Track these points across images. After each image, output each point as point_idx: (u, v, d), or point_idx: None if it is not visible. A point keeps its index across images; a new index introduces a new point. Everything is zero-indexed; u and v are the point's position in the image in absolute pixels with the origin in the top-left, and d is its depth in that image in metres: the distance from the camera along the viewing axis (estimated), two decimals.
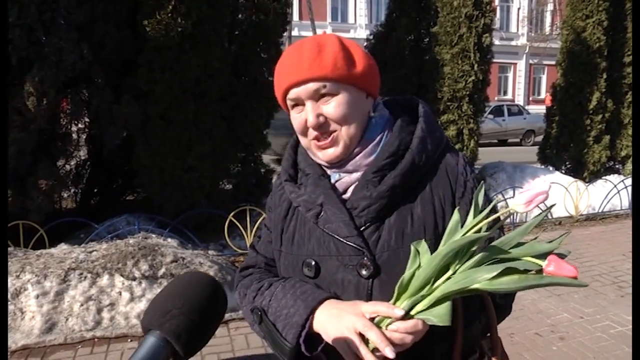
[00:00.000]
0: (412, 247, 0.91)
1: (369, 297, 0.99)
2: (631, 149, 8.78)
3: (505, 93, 30.16)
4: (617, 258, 5.41)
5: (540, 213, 0.85)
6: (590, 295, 4.41)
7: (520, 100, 28.88)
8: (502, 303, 1.08)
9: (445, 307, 0.83)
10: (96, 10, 4.86)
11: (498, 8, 24.12)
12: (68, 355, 3.35)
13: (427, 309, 0.85)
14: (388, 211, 1.02)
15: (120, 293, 3.73)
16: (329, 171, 1.10)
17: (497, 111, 17.95)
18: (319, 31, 22.23)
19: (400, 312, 0.86)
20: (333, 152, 1.04)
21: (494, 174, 7.66)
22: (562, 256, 0.80)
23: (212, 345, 3.34)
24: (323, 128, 1.02)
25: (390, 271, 0.99)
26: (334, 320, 0.93)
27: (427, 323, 0.85)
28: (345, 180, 1.07)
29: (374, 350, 0.86)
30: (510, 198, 6.40)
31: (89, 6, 4.75)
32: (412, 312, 0.86)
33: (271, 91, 4.93)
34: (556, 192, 7.05)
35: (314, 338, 0.97)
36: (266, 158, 6.62)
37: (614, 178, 8.13)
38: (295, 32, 22.43)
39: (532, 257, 0.80)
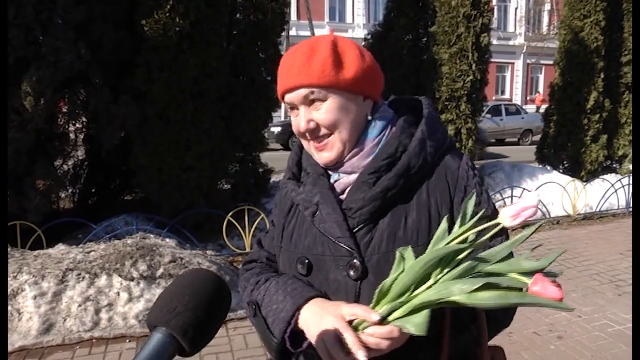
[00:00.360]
0: (398, 252, 0.89)
1: (356, 299, 0.99)
2: (628, 148, 8.83)
3: (502, 92, 30.19)
4: (614, 257, 5.42)
5: (530, 227, 0.80)
6: (588, 294, 4.42)
7: (517, 99, 28.90)
8: (500, 315, 1.05)
9: (423, 316, 0.81)
10: (94, 10, 4.85)
11: (495, 8, 24.16)
12: (66, 356, 3.33)
13: (404, 316, 0.83)
14: (382, 213, 1.02)
15: (118, 293, 3.72)
16: (329, 170, 1.10)
17: (495, 111, 17.95)
18: (316, 31, 22.22)
19: (376, 317, 0.85)
20: (327, 156, 1.05)
21: (492, 174, 7.68)
22: (552, 275, 0.76)
23: (211, 346, 3.33)
24: (315, 133, 1.03)
25: (379, 274, 0.98)
26: (315, 319, 0.94)
27: (403, 331, 0.84)
28: (344, 180, 1.07)
29: (349, 353, 0.86)
30: (508, 197, 6.40)
31: (87, 6, 4.74)
32: (390, 319, 0.85)
33: (269, 91, 4.92)
34: (554, 191, 7.07)
35: (301, 335, 0.97)
36: None
37: (611, 177, 8.15)
38: (293, 32, 22.41)
39: (519, 273, 0.76)
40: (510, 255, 0.82)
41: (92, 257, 3.99)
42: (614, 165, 8.99)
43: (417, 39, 7.70)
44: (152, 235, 4.58)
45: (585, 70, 8.18)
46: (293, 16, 23.29)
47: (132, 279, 3.79)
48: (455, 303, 0.79)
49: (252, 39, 5.86)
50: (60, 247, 4.29)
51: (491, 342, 1.07)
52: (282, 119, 18.67)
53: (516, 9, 29.97)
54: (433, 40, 7.32)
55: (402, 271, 0.86)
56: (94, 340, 3.49)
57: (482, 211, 0.86)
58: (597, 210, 7.31)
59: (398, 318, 0.84)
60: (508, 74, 30.72)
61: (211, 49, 5.23)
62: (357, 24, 26.78)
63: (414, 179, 1.03)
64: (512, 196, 6.47)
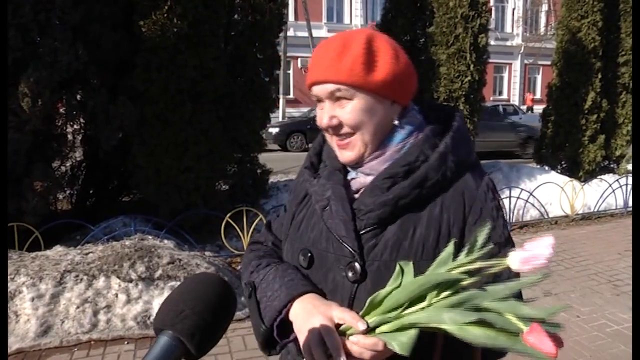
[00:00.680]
0: (398, 265, 0.87)
1: (350, 302, 0.98)
2: (626, 148, 8.86)
3: (500, 93, 30.24)
4: (612, 257, 5.43)
5: (536, 276, 0.74)
6: (586, 294, 4.43)
7: (515, 100, 28.97)
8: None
9: (410, 336, 0.79)
10: (92, 10, 4.84)
11: (493, 8, 24.19)
12: (64, 359, 3.32)
13: (391, 332, 0.82)
14: (391, 221, 1.00)
15: (116, 295, 3.71)
16: (349, 167, 1.08)
17: (493, 111, 17.98)
18: (314, 31, 22.27)
19: (362, 326, 0.84)
20: (348, 155, 1.03)
21: (490, 174, 7.63)
22: (552, 326, 0.72)
23: None
24: (336, 130, 1.02)
25: (377, 281, 0.96)
26: (305, 315, 0.94)
27: (387, 347, 0.82)
28: (360, 180, 1.05)
29: (330, 356, 0.85)
30: (506, 198, 6.41)
31: (85, 6, 4.73)
32: (377, 331, 0.84)
33: (268, 92, 4.91)
34: (552, 191, 7.08)
35: (289, 327, 0.97)
36: None
37: (609, 177, 8.17)
38: (291, 33, 22.44)
39: (517, 317, 0.73)
40: (514, 295, 0.78)
41: (90, 258, 3.98)
42: (612, 166, 9.01)
43: (415, 40, 7.70)
44: (150, 237, 4.58)
45: (582, 70, 8.19)
46: (291, 17, 23.33)
47: (130, 281, 3.78)
48: (444, 331, 0.77)
49: (250, 40, 5.85)
50: (58, 249, 4.27)
51: None
52: (280, 119, 18.69)
53: (514, 9, 30.03)
54: (431, 41, 7.33)
55: (399, 285, 0.84)
56: (92, 342, 3.48)
57: (495, 235, 0.87)
58: (595, 210, 7.32)
59: (385, 332, 0.83)
60: (506, 75, 30.77)
61: (209, 50, 5.23)
62: (355, 25, 26.78)
63: (429, 192, 1.00)
64: (510, 197, 6.48)
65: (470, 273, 0.78)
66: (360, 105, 0.99)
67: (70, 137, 5.40)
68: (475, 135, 7.55)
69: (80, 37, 4.65)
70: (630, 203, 7.51)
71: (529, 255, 0.71)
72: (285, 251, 1.15)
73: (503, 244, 1.00)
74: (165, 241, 4.58)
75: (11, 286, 3.59)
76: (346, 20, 27.13)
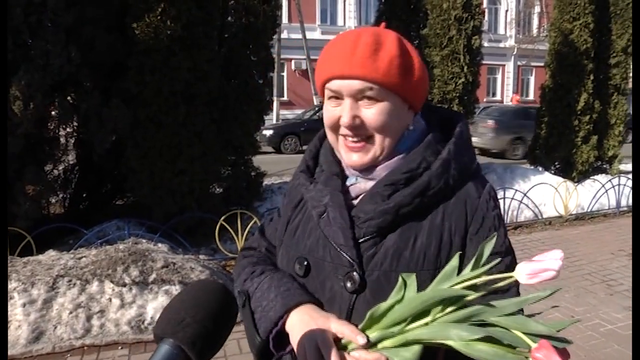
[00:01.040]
0: (400, 278, 0.84)
1: (349, 312, 0.95)
2: (618, 149, 8.93)
3: (494, 94, 30.33)
4: (606, 257, 5.45)
5: (544, 292, 0.75)
6: (580, 294, 4.44)
7: (508, 101, 29.04)
8: None
9: (413, 352, 0.78)
10: (85, 12, 4.81)
11: (486, 10, 24.29)
12: None
13: (394, 347, 0.80)
14: (391, 229, 0.96)
15: (110, 300, 3.69)
16: (347, 172, 1.05)
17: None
18: (308, 34, 22.28)
19: (362, 340, 0.82)
20: (359, 158, 0.99)
21: (484, 175, 7.69)
22: (562, 342, 0.71)
23: None
24: (356, 130, 0.96)
25: (377, 291, 0.94)
26: (302, 327, 0.90)
27: None
28: (360, 186, 1.02)
29: None
30: (500, 199, 6.41)
31: (78, 8, 4.71)
32: (379, 346, 0.82)
33: (261, 94, 4.86)
34: (546, 192, 7.10)
35: (285, 338, 0.94)
36: None
37: (602, 178, 8.21)
38: (284, 35, 22.42)
39: (524, 333, 0.72)
40: (519, 311, 0.78)
41: (84, 263, 3.96)
42: (604, 166, 9.07)
43: (409, 42, 7.73)
44: (144, 240, 4.56)
45: (575, 72, 8.24)
46: (284, 19, 23.31)
47: (124, 285, 3.76)
48: (449, 347, 0.76)
49: (244, 42, 5.84)
50: (51, 254, 4.24)
51: None
52: (274, 122, 18.68)
53: (506, 11, 30.16)
54: (425, 42, 7.35)
55: (401, 299, 0.82)
56: (85, 348, 3.45)
57: (496, 245, 0.84)
58: (589, 210, 7.36)
59: (388, 347, 0.81)
60: (499, 76, 30.87)
61: (203, 52, 5.21)
62: (349, 27, 26.81)
63: (431, 200, 0.98)
64: (504, 197, 6.49)
65: (474, 287, 0.77)
66: (388, 108, 0.95)
67: (63, 140, 5.37)
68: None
69: (72, 40, 4.62)
70: (622, 203, 7.56)
71: (537, 268, 0.70)
72: (279, 257, 1.11)
73: (503, 253, 0.98)
74: (159, 245, 4.56)
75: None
76: (339, 22, 27.15)
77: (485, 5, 25.95)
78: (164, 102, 5.08)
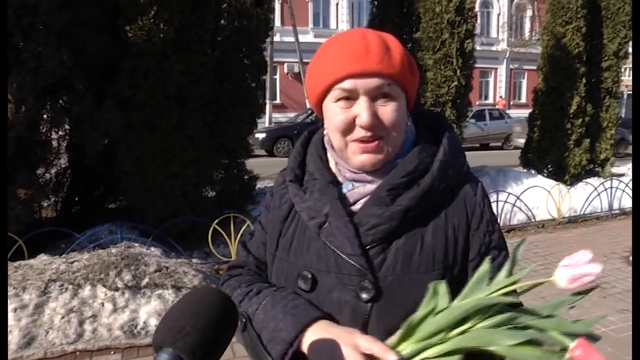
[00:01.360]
0: (431, 287, 0.84)
1: (365, 323, 0.93)
2: (610, 152, 9.00)
3: (486, 97, 30.49)
4: (598, 260, 5.39)
5: (580, 293, 0.79)
6: None
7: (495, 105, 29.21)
8: None
9: None
10: (77, 15, 4.78)
11: (478, 14, 24.43)
12: None
13: (435, 358, 0.80)
14: (397, 234, 0.95)
15: (102, 304, 3.66)
16: (340, 179, 1.02)
17: (479, 116, 18.14)
18: (300, 37, 22.29)
19: (393, 358, 0.79)
20: (372, 158, 0.96)
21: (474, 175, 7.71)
22: (593, 339, 0.75)
23: None
24: (373, 130, 0.93)
25: (391, 298, 0.93)
26: (324, 345, 0.86)
27: None
28: (359, 191, 1.00)
29: None
30: (493, 202, 6.43)
31: (70, 11, 4.68)
32: (417, 358, 0.81)
33: (254, 97, 4.82)
34: (539, 195, 7.13)
35: (298, 358, 0.90)
36: None
37: (594, 181, 8.26)
38: (277, 38, 22.43)
39: (561, 333, 0.75)
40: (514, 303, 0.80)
41: (76, 267, 3.93)
42: (597, 169, 9.12)
43: (402, 45, 7.75)
44: (136, 244, 4.52)
45: (567, 75, 8.29)
46: (277, 22, 23.33)
47: (116, 289, 3.73)
48: (491, 352, 0.76)
49: (237, 45, 5.83)
50: (43, 258, 4.21)
51: None
52: (267, 125, 18.67)
53: (499, 15, 30.33)
54: (418, 46, 7.36)
55: (434, 308, 0.82)
56: (77, 353, 3.42)
57: (495, 239, 0.91)
58: (581, 213, 7.39)
59: (428, 358, 0.80)
60: (491, 79, 31.04)
61: (195, 55, 5.20)
62: (341, 30, 26.81)
63: (433, 201, 0.98)
64: (497, 200, 6.50)
65: (511, 293, 0.79)
66: (400, 106, 0.95)
67: (55, 143, 5.34)
68: (463, 140, 7.59)
69: (65, 42, 4.59)
70: (615, 206, 7.59)
71: (578, 273, 0.72)
72: (275, 274, 1.06)
73: (502, 246, 1.03)
74: (152, 249, 4.53)
75: None
76: (332, 25, 27.22)
77: (477, 8, 26.10)
78: (157, 105, 5.06)
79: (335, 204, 0.97)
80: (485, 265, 0.83)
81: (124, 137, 5.11)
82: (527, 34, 29.34)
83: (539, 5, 25.64)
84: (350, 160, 0.99)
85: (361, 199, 1.00)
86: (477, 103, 25.69)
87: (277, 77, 25.12)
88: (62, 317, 3.52)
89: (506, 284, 0.79)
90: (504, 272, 0.81)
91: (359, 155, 0.96)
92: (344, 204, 0.99)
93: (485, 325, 0.78)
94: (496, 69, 30.76)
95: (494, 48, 29.97)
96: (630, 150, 14.59)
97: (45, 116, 4.96)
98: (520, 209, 6.96)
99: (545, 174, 8.61)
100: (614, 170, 9.25)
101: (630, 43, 8.96)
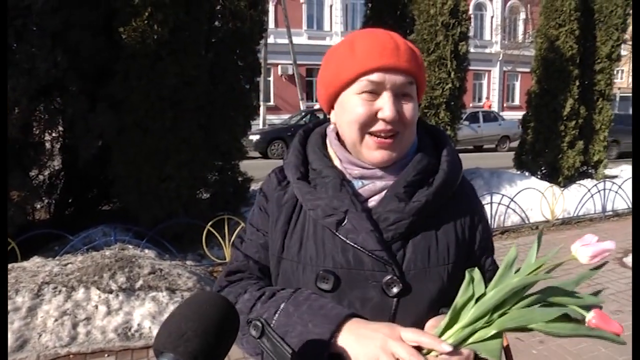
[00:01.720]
0: (467, 274, 0.88)
1: (392, 318, 0.94)
2: (603, 153, 9.06)
3: (480, 100, 30.59)
4: (592, 261, 5.48)
5: (595, 267, 0.86)
6: None
7: (495, 106, 29.32)
8: None
9: (498, 342, 0.82)
10: (71, 17, 4.76)
11: (472, 16, 24.52)
12: None
13: (481, 341, 0.83)
14: (414, 229, 0.98)
15: (96, 307, 3.64)
16: (348, 177, 1.02)
17: (473, 118, 18.20)
18: (294, 39, 22.31)
19: (447, 348, 0.81)
20: (388, 154, 0.98)
21: (471, 180, 7.66)
22: (600, 307, 0.83)
23: None
24: (393, 125, 0.96)
25: (415, 291, 0.95)
26: (365, 342, 0.85)
27: (479, 354, 0.84)
28: (369, 188, 1.00)
29: None
30: (487, 204, 6.45)
31: (64, 12, 4.66)
32: (465, 344, 0.84)
33: (248, 99, 4.81)
34: (533, 197, 7.16)
35: (332, 358, 0.88)
36: None
37: (588, 182, 8.30)
38: (271, 40, 22.45)
39: (579, 306, 0.82)
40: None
41: (69, 269, 3.91)
42: (590, 171, 9.17)
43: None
44: (130, 246, 4.51)
45: (561, 77, 8.34)
46: (271, 24, 23.34)
47: (110, 292, 3.71)
48: (530, 330, 0.82)
49: (231, 47, 5.83)
50: (36, 260, 4.18)
51: None
52: (261, 127, 18.66)
53: (492, 17, 30.46)
54: None
55: (472, 295, 0.85)
56: (71, 356, 3.39)
57: (488, 230, 1.02)
58: (575, 215, 7.42)
59: (473, 343, 0.84)
60: (485, 82, 31.16)
61: (190, 57, 5.19)
62: (335, 32, 26.92)
63: (445, 197, 1.03)
64: (491, 202, 6.52)
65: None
66: (416, 107, 0.99)
67: (48, 145, 5.31)
68: (457, 142, 7.61)
69: (59, 44, 4.58)
70: (608, 208, 7.63)
71: (598, 249, 0.81)
72: (281, 276, 1.04)
73: (490, 234, 1.14)
74: (146, 251, 4.52)
75: None
76: (326, 27, 27.26)
77: (471, 11, 26.20)
78: (151, 107, 5.05)
79: (355, 201, 0.97)
80: (513, 252, 0.88)
81: (118, 140, 5.10)
82: (520, 37, 29.46)
83: (532, 8, 25.75)
84: (362, 154, 1.00)
85: (373, 196, 1.01)
86: (470, 105, 25.77)
87: (271, 79, 25.12)
88: (56, 320, 3.50)
89: (535, 267, 0.84)
90: (531, 257, 0.86)
91: (373, 150, 0.98)
92: (358, 200, 0.99)
93: (520, 306, 0.83)
94: (490, 71, 30.89)
95: (487, 50, 30.09)
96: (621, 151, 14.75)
97: (38, 118, 4.93)
98: (514, 211, 6.99)
99: (539, 176, 8.65)
100: (607, 172, 9.31)
101: (623, 46, 9.04)
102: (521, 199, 7.03)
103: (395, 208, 0.97)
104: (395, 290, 0.94)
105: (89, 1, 4.98)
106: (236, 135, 5.97)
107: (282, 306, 0.94)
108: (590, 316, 0.80)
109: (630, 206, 7.78)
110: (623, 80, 31.67)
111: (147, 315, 3.65)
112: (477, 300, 0.85)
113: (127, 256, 4.10)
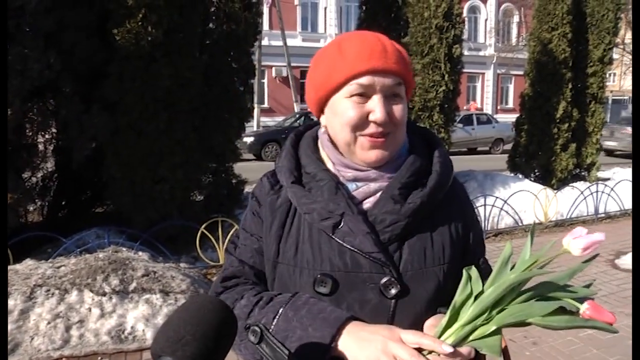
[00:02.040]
0: (465, 272, 0.89)
1: (390, 319, 0.94)
2: (596, 156, 9.12)
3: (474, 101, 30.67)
4: (584, 253, 5.51)
5: (586, 260, 0.88)
6: None
7: (488, 109, 29.40)
8: None
9: (498, 338, 0.84)
10: (65, 18, 4.75)
11: (466, 19, 24.59)
12: None
13: (481, 338, 0.85)
14: (410, 230, 0.99)
15: (89, 309, 3.62)
16: (341, 179, 1.02)
17: (467, 120, 18.25)
18: (289, 41, 22.31)
19: (448, 349, 0.82)
20: (381, 154, 0.99)
21: (464, 183, 7.76)
22: (592, 298, 0.86)
23: None
24: (384, 127, 0.96)
25: (413, 292, 0.96)
26: (365, 345, 0.86)
27: (480, 351, 0.85)
28: (363, 190, 1.01)
29: None
30: (481, 206, 6.48)
31: (58, 14, 4.64)
32: (465, 342, 0.86)
33: (243, 101, 4.80)
34: (526, 199, 7.19)
35: None
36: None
37: (581, 185, 8.34)
38: (265, 42, 22.45)
39: (572, 299, 0.84)
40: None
41: (62, 272, 3.88)
42: (583, 173, 9.22)
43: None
44: (124, 249, 4.49)
45: (554, 80, 8.39)
46: (265, 26, 23.33)
47: (104, 294, 3.70)
48: (527, 324, 0.84)
49: (226, 49, 5.83)
50: (28, 263, 4.16)
51: None
52: (255, 129, 18.63)
53: (486, 20, 30.58)
54: (406, 50, 7.39)
55: (470, 293, 0.87)
56: (64, 359, 3.38)
57: (479, 226, 1.03)
58: (568, 217, 7.45)
59: (473, 340, 0.85)
60: (479, 84, 31.24)
61: (184, 59, 5.18)
62: (329, 34, 26.93)
63: (439, 197, 1.03)
64: (485, 205, 6.55)
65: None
66: (405, 107, 0.99)
67: (41, 147, 5.28)
68: (451, 145, 7.63)
69: (52, 45, 4.56)
70: (600, 210, 7.67)
71: (590, 242, 0.83)
72: (278, 280, 1.04)
73: (482, 234, 1.21)
74: (140, 253, 4.50)
75: None
76: (320, 29, 27.26)
77: (465, 14, 26.27)
78: (145, 108, 5.03)
79: (351, 204, 0.98)
80: (508, 249, 0.89)
81: (112, 141, 5.08)
82: (514, 40, 29.57)
83: (525, 12, 25.85)
84: (357, 155, 1.00)
85: (367, 198, 1.01)
86: (464, 108, 25.84)
87: (265, 81, 25.10)
88: (48, 323, 3.48)
89: (530, 262, 0.85)
90: (526, 253, 0.88)
91: (367, 150, 0.98)
92: (353, 203, 0.99)
93: (518, 301, 0.85)
94: (484, 74, 30.98)
95: (481, 53, 30.18)
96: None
97: (32, 119, 4.91)
98: (508, 213, 7.01)
99: (532, 178, 8.69)
100: (600, 174, 9.36)
101: (615, 49, 9.10)
102: (515, 201, 7.06)
103: (391, 210, 0.97)
104: (393, 291, 0.94)
105: (83, 2, 4.97)
106: (230, 138, 5.97)
107: (280, 311, 0.94)
108: (584, 307, 0.82)
109: (623, 208, 7.84)
110: (615, 83, 31.88)
111: (140, 317, 3.64)
112: (476, 298, 0.86)
113: (120, 258, 4.08)
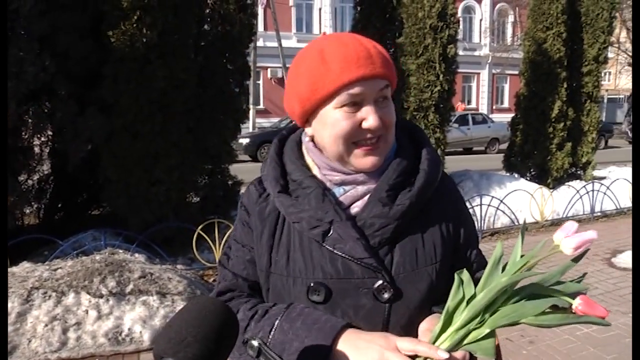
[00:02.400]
0: (456, 276, 0.89)
1: (385, 323, 0.94)
2: (591, 155, 9.15)
3: (469, 102, 30.73)
4: (581, 261, 5.51)
5: (575, 258, 0.88)
6: None
7: (484, 109, 29.47)
8: None
9: (492, 341, 0.84)
10: (59, 20, 4.74)
11: (461, 19, 24.65)
12: None
13: (475, 342, 0.85)
14: (400, 232, 0.98)
15: (86, 311, 3.62)
16: (328, 184, 1.01)
17: (462, 120, 18.29)
18: (284, 42, 22.31)
19: (444, 355, 0.82)
20: (375, 159, 0.97)
21: (460, 183, 7.78)
22: (584, 292, 0.86)
23: None
24: (378, 131, 0.95)
25: (406, 294, 0.95)
26: (361, 353, 0.86)
27: (474, 354, 0.86)
28: (351, 194, 1.00)
29: None
30: (477, 205, 6.49)
31: (52, 16, 4.64)
32: (460, 347, 0.86)
33: (238, 102, 4.81)
34: (522, 198, 7.21)
35: None
36: None
37: (576, 184, 8.37)
38: (260, 43, 22.43)
39: (565, 295, 0.84)
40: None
41: (59, 274, 3.88)
42: (578, 172, 9.25)
43: (385, 50, 7.78)
44: (121, 251, 4.49)
45: (549, 80, 8.42)
46: (260, 27, 23.31)
47: (101, 296, 3.69)
48: (519, 323, 0.84)
49: (220, 50, 5.83)
50: (25, 265, 4.15)
51: None
52: (250, 130, 18.63)
53: (481, 20, 30.65)
54: (400, 51, 7.41)
55: (463, 297, 0.87)
56: None
57: (472, 224, 1.02)
58: (564, 216, 7.47)
59: (467, 344, 0.85)
60: (474, 84, 31.31)
61: (179, 60, 5.18)
62: None
63: (426, 198, 1.02)
64: (481, 204, 6.56)
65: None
66: (392, 105, 0.98)
67: (37, 149, 5.26)
68: (446, 145, 7.65)
69: (47, 48, 4.55)
70: (596, 208, 7.70)
71: (581, 240, 0.83)
72: (272, 291, 1.03)
73: (475, 232, 1.15)
74: (136, 255, 4.50)
75: None
76: (315, 30, 27.26)
77: (460, 14, 26.35)
78: (140, 110, 5.03)
79: (339, 210, 0.97)
80: (499, 249, 0.89)
81: (107, 144, 5.07)
82: (509, 40, 29.65)
83: (520, 11, 25.94)
84: (351, 164, 0.98)
85: (355, 201, 1.00)
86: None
87: (261, 82, 25.10)
88: (46, 325, 3.48)
89: (522, 264, 0.85)
90: (516, 254, 0.87)
91: (362, 158, 0.96)
92: (341, 208, 0.98)
93: (510, 302, 0.85)
94: (479, 73, 31.05)
95: (476, 53, 30.25)
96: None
97: (27, 122, 4.90)
98: (504, 213, 7.02)
99: (528, 178, 8.71)
100: (595, 173, 9.40)
101: (610, 48, 9.14)
102: (510, 201, 7.08)
103: (380, 213, 0.96)
104: (386, 295, 0.94)
105: (77, 4, 4.96)
106: (226, 139, 5.97)
107: (276, 323, 0.94)
108: (576, 303, 0.82)
109: (619, 207, 7.87)
110: (610, 82, 32.01)
111: (137, 319, 3.64)
112: (468, 302, 0.86)
113: (117, 260, 4.08)
